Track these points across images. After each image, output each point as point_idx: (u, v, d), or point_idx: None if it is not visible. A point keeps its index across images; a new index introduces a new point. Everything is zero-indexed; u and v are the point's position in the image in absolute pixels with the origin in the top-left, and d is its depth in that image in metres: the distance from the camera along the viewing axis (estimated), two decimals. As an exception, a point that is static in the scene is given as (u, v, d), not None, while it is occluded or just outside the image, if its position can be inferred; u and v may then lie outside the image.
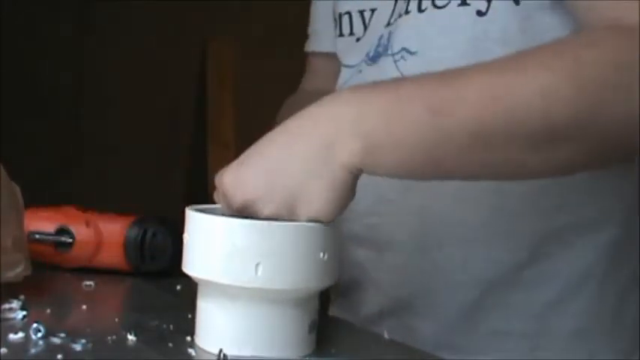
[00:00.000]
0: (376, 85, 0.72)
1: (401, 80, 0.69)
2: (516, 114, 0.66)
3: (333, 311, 1.03)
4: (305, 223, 0.66)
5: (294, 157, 0.67)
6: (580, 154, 0.69)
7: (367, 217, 0.91)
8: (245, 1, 2.70)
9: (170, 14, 2.75)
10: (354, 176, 0.67)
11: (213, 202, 0.71)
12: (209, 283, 0.66)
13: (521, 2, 0.83)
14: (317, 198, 0.66)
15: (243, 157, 0.69)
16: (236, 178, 0.68)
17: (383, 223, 0.92)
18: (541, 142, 0.67)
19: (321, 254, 0.66)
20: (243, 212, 0.67)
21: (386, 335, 0.78)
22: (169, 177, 2.75)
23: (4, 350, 0.62)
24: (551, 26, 0.82)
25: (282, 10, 2.66)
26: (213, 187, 0.71)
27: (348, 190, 0.67)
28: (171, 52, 2.77)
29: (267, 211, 0.66)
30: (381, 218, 0.91)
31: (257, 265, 0.63)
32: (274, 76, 2.67)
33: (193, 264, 0.67)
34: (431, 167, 0.69)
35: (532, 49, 0.70)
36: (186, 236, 0.68)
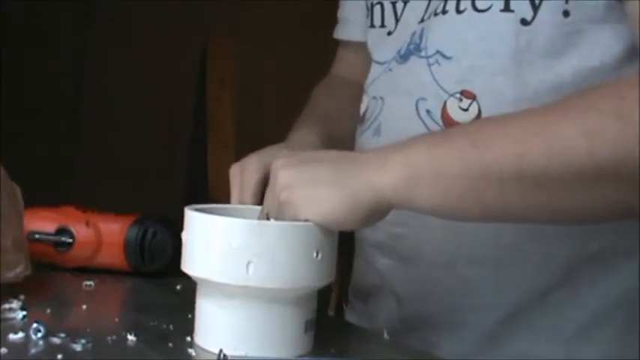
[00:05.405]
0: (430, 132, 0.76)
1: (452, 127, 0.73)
2: (557, 151, 0.65)
3: (350, 316, 1.02)
4: (297, 223, 0.66)
5: (333, 166, 0.70)
6: (629, 194, 0.66)
7: (393, 226, 0.88)
8: (245, 1, 2.70)
9: (170, 14, 2.74)
10: (376, 203, 0.68)
11: (213, 202, 0.72)
12: (207, 282, 0.66)
13: (572, 14, 0.79)
14: (325, 203, 0.67)
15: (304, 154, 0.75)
16: (287, 163, 0.71)
17: (408, 235, 0.89)
18: (588, 182, 0.65)
19: (315, 254, 0.66)
20: (279, 197, 0.70)
21: (386, 335, 0.78)
22: (169, 177, 2.75)
23: (4, 350, 0.62)
24: (602, 41, 0.80)
25: (282, 11, 2.66)
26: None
27: (360, 212, 0.68)
28: (171, 52, 2.77)
29: (282, 199, 0.69)
30: (407, 229, 0.88)
31: (248, 263, 0.64)
32: (274, 76, 2.67)
33: (191, 263, 0.67)
34: (469, 202, 0.68)
35: (578, 92, 0.70)
36: (184, 235, 0.68)
